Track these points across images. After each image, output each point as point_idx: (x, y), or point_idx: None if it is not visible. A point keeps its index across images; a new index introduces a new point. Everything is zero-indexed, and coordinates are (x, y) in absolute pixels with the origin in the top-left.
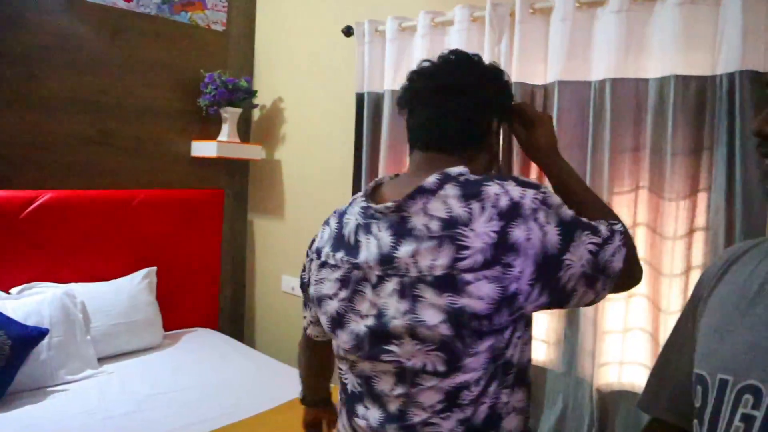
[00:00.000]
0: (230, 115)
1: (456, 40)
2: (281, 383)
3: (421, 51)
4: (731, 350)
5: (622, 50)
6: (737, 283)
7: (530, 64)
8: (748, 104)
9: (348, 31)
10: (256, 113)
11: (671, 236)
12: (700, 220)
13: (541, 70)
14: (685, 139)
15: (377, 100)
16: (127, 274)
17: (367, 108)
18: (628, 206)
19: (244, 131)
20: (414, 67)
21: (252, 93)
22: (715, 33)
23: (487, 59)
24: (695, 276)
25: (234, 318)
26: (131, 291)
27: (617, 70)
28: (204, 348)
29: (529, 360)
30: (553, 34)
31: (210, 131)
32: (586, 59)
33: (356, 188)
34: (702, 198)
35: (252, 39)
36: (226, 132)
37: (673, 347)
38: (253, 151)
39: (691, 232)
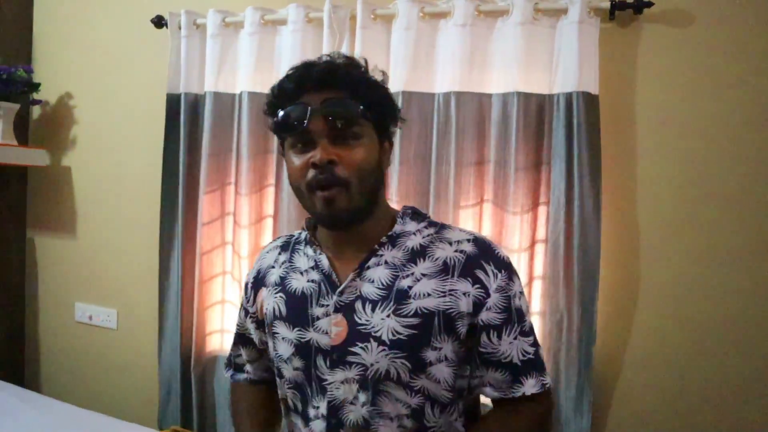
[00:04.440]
0: (4, 111)
1: (289, 41)
2: None
3: (250, 50)
4: None
5: (466, 64)
6: None
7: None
8: (584, 123)
9: (159, 22)
10: (36, 110)
11: (516, 249)
12: (541, 232)
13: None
14: (528, 154)
15: (196, 102)
16: None
17: (184, 111)
18: (473, 219)
19: (21, 132)
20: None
21: (34, 86)
22: (552, 54)
23: None
24: (537, 286)
25: (11, 360)
26: None
27: (462, 84)
28: None
29: None
30: (395, 43)
31: None
32: (430, 71)
33: (166, 200)
34: (542, 211)
35: (29, 20)
36: None
37: None
38: (34, 156)
39: (533, 244)
